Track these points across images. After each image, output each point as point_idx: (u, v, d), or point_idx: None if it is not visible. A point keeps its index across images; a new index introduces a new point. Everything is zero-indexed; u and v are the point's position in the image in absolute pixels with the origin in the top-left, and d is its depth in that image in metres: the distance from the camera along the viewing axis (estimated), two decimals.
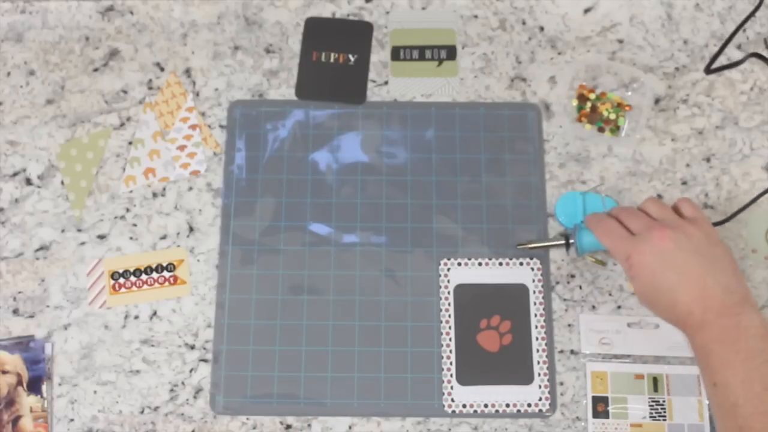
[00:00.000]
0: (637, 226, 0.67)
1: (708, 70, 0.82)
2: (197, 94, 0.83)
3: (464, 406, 0.74)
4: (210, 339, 0.76)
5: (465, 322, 0.76)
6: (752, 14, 0.84)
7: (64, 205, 0.80)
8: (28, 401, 0.74)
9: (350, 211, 0.79)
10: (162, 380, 0.75)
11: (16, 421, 0.74)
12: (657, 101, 0.82)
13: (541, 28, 0.85)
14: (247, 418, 0.74)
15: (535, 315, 0.76)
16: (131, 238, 0.79)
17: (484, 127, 0.82)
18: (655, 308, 0.67)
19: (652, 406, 0.74)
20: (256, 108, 0.82)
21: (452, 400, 0.74)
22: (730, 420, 0.61)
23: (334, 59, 0.84)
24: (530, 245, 0.76)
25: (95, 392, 0.75)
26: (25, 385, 0.74)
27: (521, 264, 0.77)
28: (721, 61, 0.83)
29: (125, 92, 0.83)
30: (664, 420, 0.73)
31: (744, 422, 0.59)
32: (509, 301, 0.77)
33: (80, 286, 0.78)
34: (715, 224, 0.75)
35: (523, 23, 0.85)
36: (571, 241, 0.74)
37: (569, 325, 0.76)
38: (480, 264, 0.78)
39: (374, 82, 0.83)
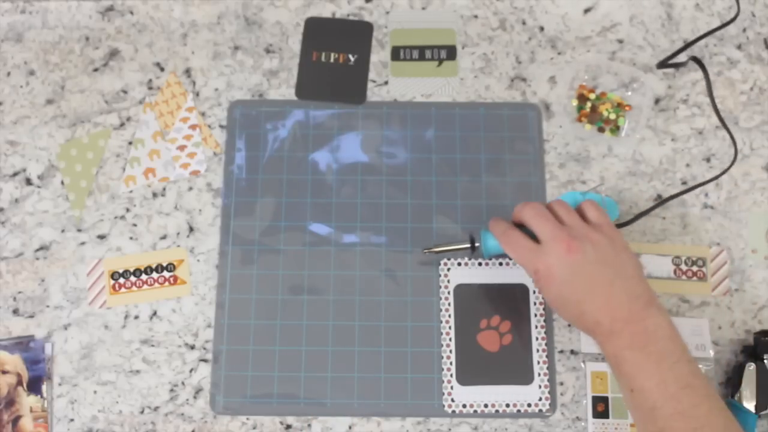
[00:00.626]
0: (543, 233, 0.66)
1: (660, 65, 0.82)
2: (197, 94, 0.83)
3: (464, 406, 0.74)
4: (210, 339, 0.76)
5: (465, 322, 0.76)
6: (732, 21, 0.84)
7: (64, 205, 0.80)
8: (28, 401, 0.74)
9: (350, 211, 0.79)
10: (162, 380, 0.75)
11: (16, 421, 0.74)
12: (657, 101, 0.82)
13: (541, 28, 0.85)
14: (247, 418, 0.74)
15: (535, 315, 0.76)
16: (131, 238, 0.79)
17: (484, 127, 0.82)
18: (565, 317, 0.68)
19: None
20: (256, 108, 0.82)
21: (452, 400, 0.74)
22: (650, 424, 0.60)
23: (334, 59, 0.84)
24: (436, 249, 0.75)
25: (95, 392, 0.75)
26: (25, 385, 0.74)
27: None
28: (721, 60, 0.83)
29: (125, 92, 0.83)
30: None
31: (665, 423, 0.59)
32: (509, 301, 0.77)
33: (80, 286, 0.78)
34: (619, 226, 0.76)
35: (523, 23, 0.85)
36: (477, 244, 0.74)
37: (569, 325, 0.76)
38: (480, 264, 0.78)
39: (374, 82, 0.83)
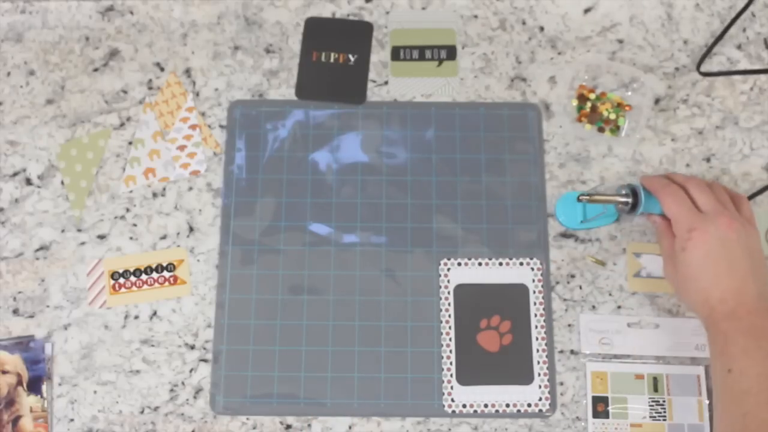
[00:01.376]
0: (705, 204, 0.69)
1: (699, 72, 0.82)
2: (197, 94, 0.83)
3: (464, 406, 0.74)
4: (210, 339, 0.76)
5: (465, 322, 0.76)
6: (740, 14, 0.84)
7: (64, 205, 0.80)
8: (28, 401, 0.74)
9: (350, 211, 0.79)
10: (162, 380, 0.75)
11: (16, 421, 0.74)
12: (657, 101, 0.82)
13: (541, 28, 0.85)
14: (247, 418, 0.74)
15: (535, 315, 0.76)
16: (131, 238, 0.79)
17: (484, 127, 0.82)
18: (688, 286, 0.68)
19: (652, 406, 0.74)
20: (256, 108, 0.82)
21: (452, 400, 0.74)
22: (736, 406, 0.62)
23: (334, 59, 0.84)
24: (594, 197, 0.74)
25: (95, 392, 0.75)
26: (25, 385, 0.74)
27: (521, 264, 0.77)
28: (721, 60, 0.83)
29: (125, 92, 0.83)
30: (664, 420, 0.73)
31: (753, 409, 0.61)
32: (509, 301, 0.77)
33: (80, 286, 0.78)
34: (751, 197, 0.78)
35: (523, 23, 0.85)
36: (630, 200, 0.73)
37: (569, 325, 0.76)
38: (480, 264, 0.78)
39: (374, 82, 0.83)
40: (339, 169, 0.80)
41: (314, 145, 0.81)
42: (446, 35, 0.84)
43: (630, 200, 0.74)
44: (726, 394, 0.63)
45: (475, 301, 0.77)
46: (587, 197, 0.74)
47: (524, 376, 0.75)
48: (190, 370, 0.76)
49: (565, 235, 0.79)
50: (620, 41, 0.84)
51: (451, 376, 0.75)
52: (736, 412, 0.62)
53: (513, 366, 0.75)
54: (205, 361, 0.76)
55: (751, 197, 0.79)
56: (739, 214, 0.69)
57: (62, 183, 0.80)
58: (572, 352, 0.76)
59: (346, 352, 0.75)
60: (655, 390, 0.74)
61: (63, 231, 0.79)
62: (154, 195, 0.80)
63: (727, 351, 0.64)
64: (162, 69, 0.83)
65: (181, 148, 0.81)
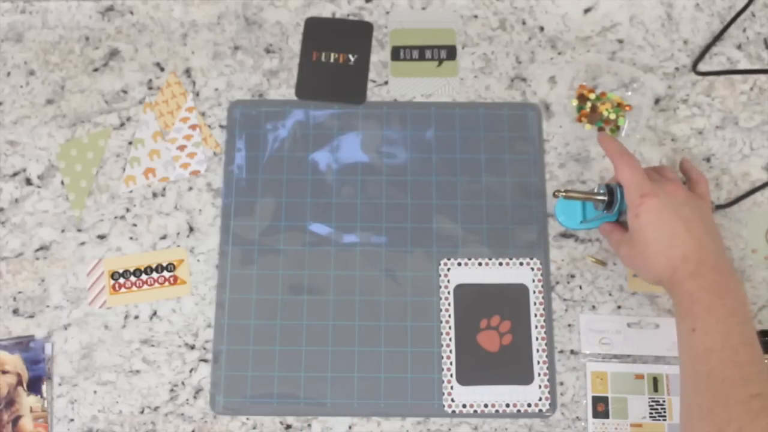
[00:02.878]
0: (657, 177, 0.71)
1: (696, 72, 0.82)
2: (197, 94, 0.83)
3: (464, 406, 0.74)
4: (210, 339, 0.76)
5: (465, 322, 0.76)
6: (739, 14, 0.84)
7: (64, 205, 0.80)
8: (28, 401, 0.74)
9: (350, 211, 0.79)
10: (162, 380, 0.75)
11: (16, 421, 0.74)
12: (657, 101, 0.82)
13: (541, 28, 0.85)
14: (247, 418, 0.74)
15: (535, 315, 0.76)
16: (131, 238, 0.79)
17: (484, 127, 0.82)
18: (647, 252, 0.67)
19: (652, 406, 0.74)
20: (256, 108, 0.82)
21: (452, 400, 0.74)
22: (701, 364, 0.62)
23: (334, 59, 0.84)
24: (568, 193, 0.73)
25: (95, 392, 0.75)
26: (25, 385, 0.74)
27: (521, 264, 0.77)
28: (721, 60, 0.83)
29: (125, 92, 0.83)
30: (664, 420, 0.73)
31: (717, 366, 0.61)
32: (509, 301, 0.76)
33: (80, 286, 0.78)
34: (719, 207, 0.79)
35: (523, 23, 0.85)
36: (607, 198, 0.73)
37: (569, 325, 0.76)
38: (480, 264, 0.78)
39: (374, 82, 0.83)
40: (339, 169, 0.80)
41: (314, 145, 0.81)
42: (446, 35, 0.84)
43: (606, 198, 0.74)
44: (690, 354, 0.64)
45: (475, 301, 0.77)
46: (564, 193, 0.74)
47: (524, 376, 0.75)
48: (190, 370, 0.76)
49: (565, 235, 0.79)
50: (620, 41, 0.84)
51: (451, 376, 0.75)
52: (700, 370, 0.62)
53: (513, 366, 0.75)
54: (205, 361, 0.76)
55: (750, 196, 0.79)
56: (690, 191, 0.71)
57: (62, 183, 0.80)
58: (572, 352, 0.76)
59: (346, 352, 0.75)
60: (655, 390, 0.74)
61: (63, 231, 0.79)
62: (154, 195, 0.80)
63: (691, 311, 0.64)
64: (162, 69, 0.83)
65: (181, 148, 0.81)
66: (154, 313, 0.77)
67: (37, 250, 0.78)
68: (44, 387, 0.74)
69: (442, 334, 0.76)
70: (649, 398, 0.74)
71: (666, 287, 0.67)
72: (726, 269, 0.65)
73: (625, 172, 0.69)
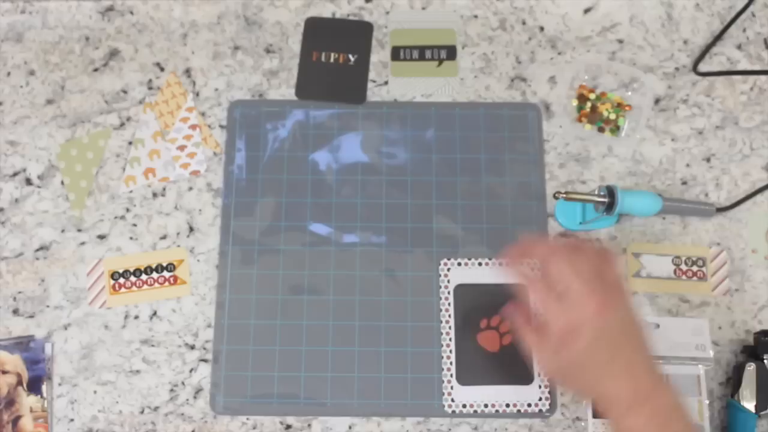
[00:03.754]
0: (568, 289, 0.61)
1: (696, 72, 0.82)
2: (197, 94, 0.83)
3: (464, 406, 0.74)
4: (210, 339, 0.76)
5: (465, 322, 0.76)
6: (740, 14, 0.84)
7: (64, 205, 0.80)
8: (28, 401, 0.74)
9: (350, 211, 0.79)
10: (162, 380, 0.75)
11: (16, 421, 0.74)
12: (657, 101, 0.82)
13: (541, 28, 0.85)
14: (247, 418, 0.74)
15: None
16: (131, 238, 0.79)
17: (484, 127, 0.82)
18: (576, 385, 0.64)
19: None
20: (256, 108, 0.82)
21: (452, 400, 0.74)
22: None
23: (334, 59, 0.84)
24: (570, 195, 0.73)
25: (95, 392, 0.75)
26: (25, 385, 0.74)
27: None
28: (721, 60, 0.83)
29: (125, 92, 0.83)
30: None
31: None
32: (509, 301, 0.76)
33: (80, 286, 0.78)
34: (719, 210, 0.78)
35: (523, 23, 0.85)
36: (607, 200, 0.72)
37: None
38: (480, 264, 0.78)
39: (374, 82, 0.83)
40: (339, 169, 0.80)
41: (314, 145, 0.81)
42: (446, 35, 0.84)
43: (607, 200, 0.74)
44: None
45: (475, 301, 0.77)
46: (564, 195, 0.73)
47: (524, 376, 0.75)
48: (190, 370, 0.76)
49: (565, 236, 0.79)
50: (620, 41, 0.84)
51: (451, 376, 0.75)
52: None
53: (513, 366, 0.75)
54: (205, 361, 0.76)
55: (751, 197, 0.79)
56: (603, 285, 0.61)
57: (62, 183, 0.80)
58: None
59: (346, 352, 0.75)
60: None
61: (63, 231, 0.79)
62: (154, 195, 0.80)
63: None
64: (162, 69, 0.83)
65: (181, 148, 0.81)
66: (154, 313, 0.77)
67: (37, 250, 0.78)
68: (44, 387, 0.74)
69: (442, 334, 0.76)
70: None
71: (603, 414, 0.63)
72: (658, 381, 0.60)
73: (536, 299, 0.62)
